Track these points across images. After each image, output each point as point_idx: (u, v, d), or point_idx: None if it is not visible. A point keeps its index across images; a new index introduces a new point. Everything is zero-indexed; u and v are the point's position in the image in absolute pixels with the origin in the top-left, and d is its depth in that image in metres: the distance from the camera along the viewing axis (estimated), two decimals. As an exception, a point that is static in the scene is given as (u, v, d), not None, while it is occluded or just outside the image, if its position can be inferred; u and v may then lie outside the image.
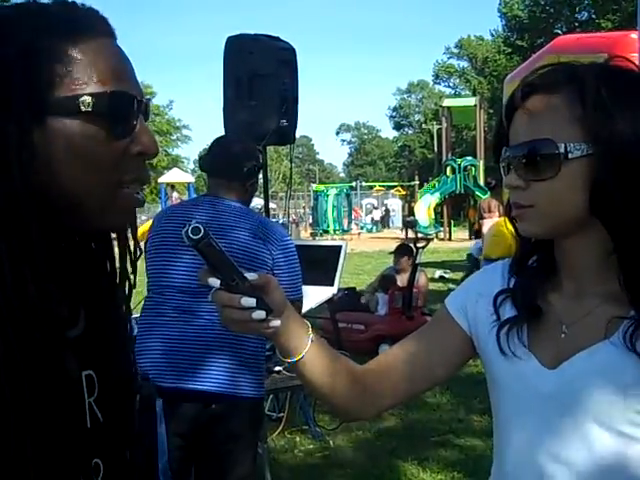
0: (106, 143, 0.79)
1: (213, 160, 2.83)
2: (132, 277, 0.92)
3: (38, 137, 0.76)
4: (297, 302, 2.74)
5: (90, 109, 0.77)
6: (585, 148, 1.01)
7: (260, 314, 1.01)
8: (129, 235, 0.90)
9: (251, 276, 1.01)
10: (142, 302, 2.76)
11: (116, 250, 0.92)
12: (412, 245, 8.09)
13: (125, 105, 0.80)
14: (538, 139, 1.03)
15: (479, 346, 1.22)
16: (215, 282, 0.98)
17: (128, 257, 0.91)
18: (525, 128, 1.05)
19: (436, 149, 34.70)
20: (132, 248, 0.91)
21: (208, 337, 2.58)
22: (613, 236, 1.04)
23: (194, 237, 0.90)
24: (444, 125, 29.23)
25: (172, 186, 27.36)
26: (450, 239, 26.00)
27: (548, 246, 1.14)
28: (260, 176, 3.50)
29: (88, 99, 0.77)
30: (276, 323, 1.05)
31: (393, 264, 8.60)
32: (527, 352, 1.12)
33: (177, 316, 2.61)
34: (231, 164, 2.76)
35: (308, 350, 1.13)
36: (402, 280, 8.10)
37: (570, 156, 1.02)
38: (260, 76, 4.10)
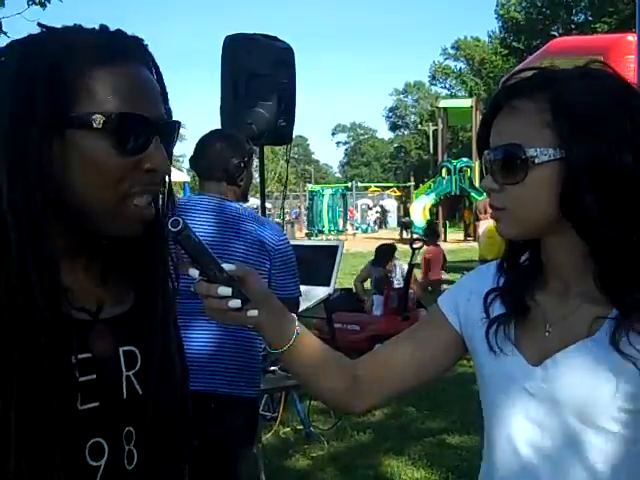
0: (114, 158, 0.88)
1: (199, 161, 2.80)
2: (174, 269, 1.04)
3: (57, 145, 0.86)
4: (294, 300, 2.74)
5: (100, 126, 0.86)
6: (553, 153, 1.04)
7: (236, 302, 1.06)
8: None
9: (228, 267, 1.06)
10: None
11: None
12: (409, 246, 8.10)
13: (135, 126, 0.89)
14: (508, 144, 1.06)
15: (470, 345, 1.24)
16: (194, 273, 1.04)
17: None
18: (500, 132, 1.09)
19: (432, 150, 34.73)
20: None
21: (204, 338, 2.57)
22: (584, 239, 1.06)
23: (173, 229, 0.97)
24: (440, 126, 29.23)
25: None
26: (445, 240, 26.03)
27: (536, 245, 1.16)
28: (256, 176, 3.48)
29: (99, 117, 0.86)
30: (253, 313, 1.09)
31: (374, 266, 8.53)
32: (514, 349, 1.14)
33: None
34: (216, 165, 2.71)
35: (295, 341, 1.16)
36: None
37: (537, 161, 1.04)
38: (258, 76, 4.10)
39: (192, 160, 2.86)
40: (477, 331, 1.20)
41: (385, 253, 8.66)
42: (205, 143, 2.80)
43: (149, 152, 0.90)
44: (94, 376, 0.90)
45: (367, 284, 8.89)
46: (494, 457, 1.19)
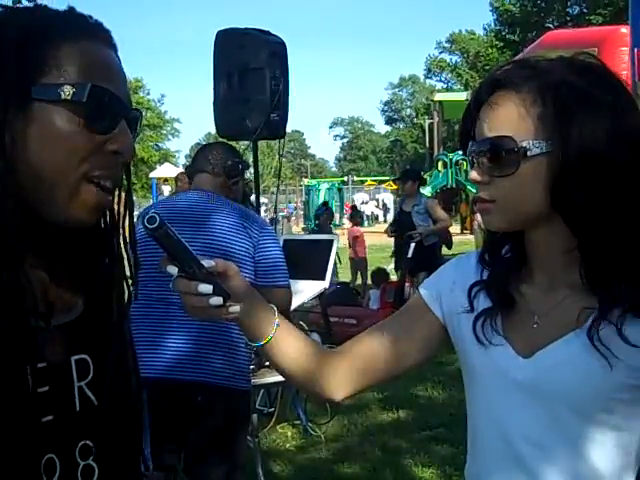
0: (82, 133, 0.82)
1: (198, 159, 2.94)
2: (130, 267, 0.96)
3: (20, 119, 0.79)
4: (282, 289, 2.76)
5: (69, 97, 0.80)
6: (544, 146, 1.03)
7: (217, 300, 1.04)
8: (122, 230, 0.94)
9: (207, 263, 1.04)
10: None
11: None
12: (405, 239, 8.09)
13: (106, 101, 0.84)
14: (499, 136, 1.05)
15: (453, 334, 1.24)
16: (173, 270, 1.01)
17: (125, 248, 0.95)
18: (488, 124, 1.07)
19: (428, 144, 34.69)
20: (128, 241, 0.95)
21: (192, 329, 2.59)
22: (574, 231, 1.06)
23: (150, 226, 0.93)
24: (435, 119, 29.18)
25: (165, 180, 27.13)
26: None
27: (518, 237, 1.16)
28: (251, 170, 3.54)
29: (69, 88, 0.81)
30: (235, 309, 1.09)
31: (400, 191, 8.31)
32: (502, 340, 1.15)
33: (161, 308, 2.62)
34: (214, 159, 2.86)
35: (274, 334, 1.16)
36: (406, 205, 7.80)
37: (529, 154, 1.04)
38: (250, 70, 4.10)
39: (192, 162, 3.02)
40: (463, 324, 1.20)
41: (406, 176, 8.49)
42: (206, 147, 3.04)
43: (116, 133, 0.84)
44: (47, 388, 0.83)
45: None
46: (483, 449, 1.20)
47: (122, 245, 0.94)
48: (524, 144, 1.04)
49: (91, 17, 0.88)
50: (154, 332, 2.62)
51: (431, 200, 8.34)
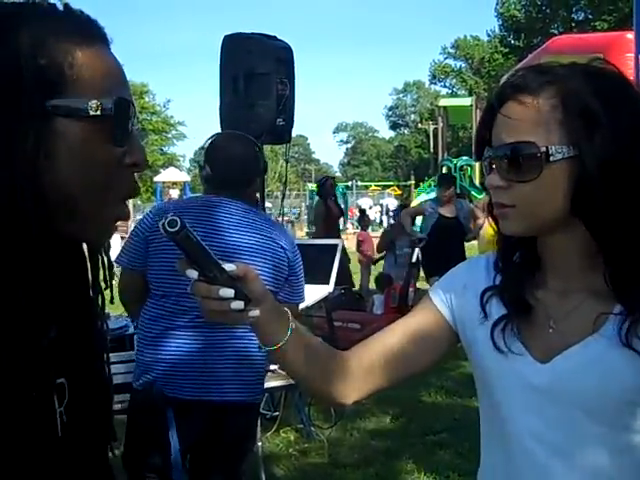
0: (107, 148, 0.78)
1: (221, 177, 2.65)
2: (106, 285, 0.92)
3: (43, 137, 0.74)
4: (297, 305, 2.75)
5: (98, 113, 0.76)
6: (567, 151, 1.03)
7: (238, 304, 1.02)
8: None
9: (229, 267, 1.02)
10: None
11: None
12: (410, 245, 8.09)
13: (125, 111, 0.79)
14: (521, 141, 1.05)
15: (465, 339, 1.24)
16: (193, 274, 0.99)
17: (102, 268, 0.90)
18: (507, 129, 1.07)
19: (432, 149, 34.70)
20: (106, 260, 0.90)
21: (216, 348, 2.55)
22: (595, 236, 1.06)
23: (171, 230, 0.90)
24: (440, 125, 29.24)
25: (174, 183, 27.03)
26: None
27: (531, 243, 1.16)
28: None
29: (95, 103, 0.76)
30: (255, 313, 1.07)
31: (437, 195, 8.23)
32: (521, 348, 1.14)
33: (186, 326, 2.55)
34: (243, 179, 2.66)
35: (288, 339, 1.14)
36: (446, 211, 7.82)
37: (552, 159, 1.04)
38: (257, 75, 4.11)
39: (213, 175, 2.66)
40: (476, 328, 1.20)
41: (445, 181, 8.49)
42: (229, 154, 2.65)
43: (131, 145, 0.80)
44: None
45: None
46: (497, 453, 1.20)
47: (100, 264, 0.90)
48: (546, 149, 1.04)
49: (83, 12, 0.81)
50: (181, 353, 2.56)
51: (472, 206, 8.39)
